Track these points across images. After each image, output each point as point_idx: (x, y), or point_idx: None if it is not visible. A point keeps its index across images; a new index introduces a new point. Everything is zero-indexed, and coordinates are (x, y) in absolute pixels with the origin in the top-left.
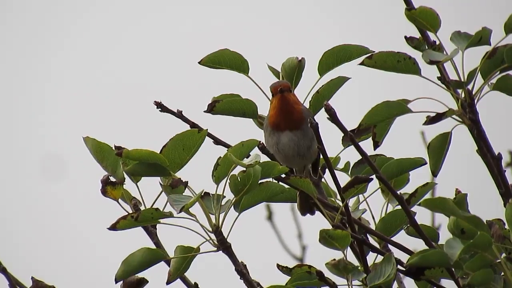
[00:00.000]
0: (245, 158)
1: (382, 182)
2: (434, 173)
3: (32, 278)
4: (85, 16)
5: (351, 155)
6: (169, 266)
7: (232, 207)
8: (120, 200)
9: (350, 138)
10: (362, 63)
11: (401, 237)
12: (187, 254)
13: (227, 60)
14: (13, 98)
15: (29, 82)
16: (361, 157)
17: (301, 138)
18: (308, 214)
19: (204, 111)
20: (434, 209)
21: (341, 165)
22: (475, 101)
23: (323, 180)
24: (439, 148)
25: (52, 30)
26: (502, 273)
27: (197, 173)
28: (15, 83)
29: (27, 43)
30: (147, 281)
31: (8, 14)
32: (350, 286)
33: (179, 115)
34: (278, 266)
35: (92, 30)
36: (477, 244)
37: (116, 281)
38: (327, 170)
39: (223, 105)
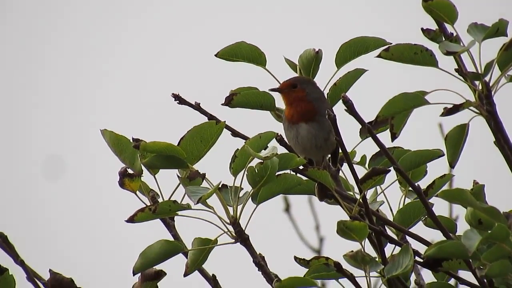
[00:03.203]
0: (263, 150)
1: (400, 174)
2: (452, 165)
3: (50, 270)
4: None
5: (368, 148)
6: (187, 258)
7: (250, 199)
8: (138, 193)
9: (368, 130)
10: (379, 56)
11: (419, 228)
12: (205, 246)
13: (244, 53)
14: (12, 95)
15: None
16: (378, 149)
17: (318, 130)
18: (325, 200)
19: (222, 104)
20: (451, 200)
21: (357, 158)
22: (492, 92)
23: (340, 173)
24: (456, 140)
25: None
26: None
27: (215, 165)
28: (15, 81)
29: (26, 44)
30: (165, 273)
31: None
32: (368, 278)
33: (197, 107)
34: (296, 258)
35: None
36: (495, 235)
37: (134, 274)
38: (344, 163)
39: (241, 98)
